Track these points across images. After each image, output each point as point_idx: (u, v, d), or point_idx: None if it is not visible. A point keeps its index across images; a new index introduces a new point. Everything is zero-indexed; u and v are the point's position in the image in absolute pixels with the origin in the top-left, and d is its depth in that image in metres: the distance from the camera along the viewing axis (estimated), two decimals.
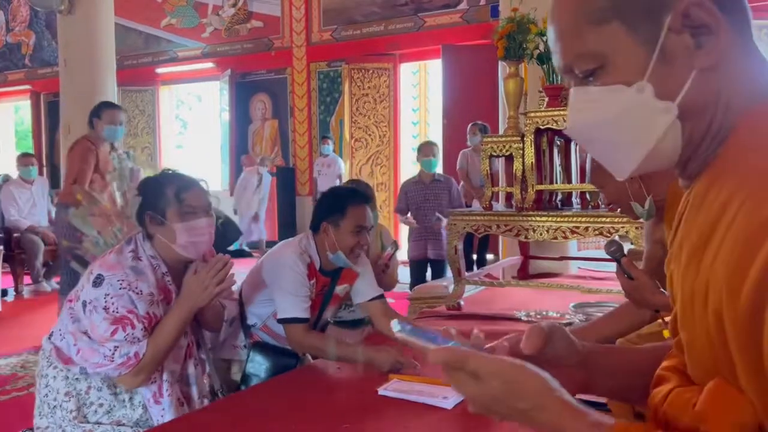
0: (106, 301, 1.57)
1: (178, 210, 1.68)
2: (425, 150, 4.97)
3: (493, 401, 0.67)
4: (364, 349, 1.98)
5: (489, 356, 0.68)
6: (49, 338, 1.72)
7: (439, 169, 5.30)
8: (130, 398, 1.67)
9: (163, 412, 1.65)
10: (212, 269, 1.67)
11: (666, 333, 1.63)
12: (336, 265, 2.12)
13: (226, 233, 3.12)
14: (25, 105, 11.48)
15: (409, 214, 4.84)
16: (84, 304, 1.60)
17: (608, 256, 1.62)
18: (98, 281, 1.59)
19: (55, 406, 1.64)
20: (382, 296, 2.24)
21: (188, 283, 1.69)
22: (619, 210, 1.76)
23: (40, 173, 6.40)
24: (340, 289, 2.20)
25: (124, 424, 1.65)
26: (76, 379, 1.65)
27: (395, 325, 0.70)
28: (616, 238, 2.64)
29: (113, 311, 1.57)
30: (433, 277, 4.45)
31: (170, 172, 1.81)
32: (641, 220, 1.67)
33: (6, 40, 11.25)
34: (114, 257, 1.66)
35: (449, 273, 4.92)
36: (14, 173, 9.77)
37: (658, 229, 1.69)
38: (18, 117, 12.70)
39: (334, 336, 2.14)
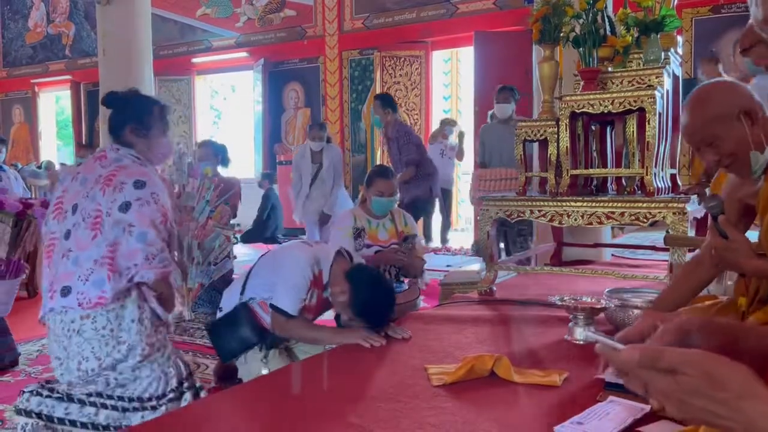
0: (153, 197, 1.87)
1: None
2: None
3: (691, 394, 0.63)
4: (335, 333, 2.29)
5: (683, 349, 0.66)
6: (65, 295, 1.83)
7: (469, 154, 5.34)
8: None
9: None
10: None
11: (742, 300, 1.60)
12: None
13: None
14: (65, 95, 11.78)
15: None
16: (127, 204, 1.82)
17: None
18: (140, 184, 1.86)
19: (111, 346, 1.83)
20: None
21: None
22: (726, 167, 1.59)
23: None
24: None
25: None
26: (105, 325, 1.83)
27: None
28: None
29: (162, 204, 1.88)
30: None
31: None
32: (754, 175, 1.54)
33: (47, 32, 11.56)
34: (133, 167, 1.92)
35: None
36: (55, 160, 10.05)
37: (746, 185, 1.60)
38: (59, 107, 13.05)
39: (308, 324, 2.32)
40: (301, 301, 2.24)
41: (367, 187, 3.06)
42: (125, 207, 1.82)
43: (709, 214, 1.54)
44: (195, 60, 10.23)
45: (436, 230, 7.01)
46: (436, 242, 6.90)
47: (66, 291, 1.81)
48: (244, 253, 6.47)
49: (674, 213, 2.53)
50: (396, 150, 5.34)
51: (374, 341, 2.07)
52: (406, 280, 3.11)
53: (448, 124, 7.60)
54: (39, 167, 9.17)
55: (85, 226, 1.84)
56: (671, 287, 1.88)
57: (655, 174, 2.68)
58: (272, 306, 2.24)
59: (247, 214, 7.80)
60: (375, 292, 2.16)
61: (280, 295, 2.24)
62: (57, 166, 8.98)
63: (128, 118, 2.02)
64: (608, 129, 3.19)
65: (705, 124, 1.54)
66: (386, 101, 5.42)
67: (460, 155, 7.50)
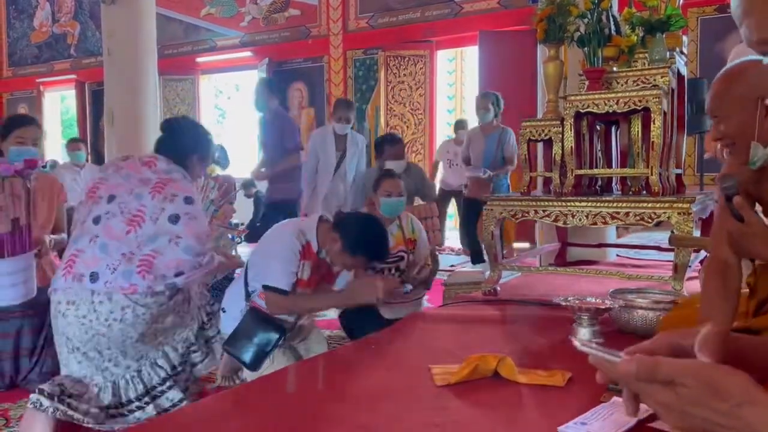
0: (199, 213, 2.06)
1: None
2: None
3: (691, 405, 0.62)
4: (343, 294, 2.27)
5: (680, 360, 0.64)
6: (95, 281, 1.90)
7: None
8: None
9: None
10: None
11: (750, 279, 1.52)
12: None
13: None
14: (70, 94, 11.80)
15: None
16: (176, 216, 1.97)
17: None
18: (189, 200, 2.06)
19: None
20: None
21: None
22: (726, 150, 1.49)
23: (86, 159, 6.58)
24: (337, 267, 2.42)
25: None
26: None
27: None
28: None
29: (204, 216, 2.10)
30: None
31: None
32: (752, 167, 1.42)
33: (52, 31, 11.59)
34: (183, 183, 2.11)
35: None
36: (61, 160, 10.05)
37: (761, 186, 1.47)
38: (64, 106, 13.07)
39: (307, 295, 2.30)
40: (293, 275, 2.21)
41: (374, 191, 3.01)
42: (174, 219, 1.97)
43: (723, 196, 1.41)
44: (199, 59, 10.24)
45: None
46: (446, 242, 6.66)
47: (95, 277, 1.88)
48: (248, 253, 6.47)
49: (679, 213, 2.52)
50: (278, 135, 4.67)
51: (389, 284, 2.11)
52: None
53: (461, 128, 6.72)
54: (44, 167, 9.18)
55: (122, 219, 1.94)
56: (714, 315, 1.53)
57: (660, 174, 2.67)
58: (265, 287, 2.22)
59: (247, 215, 7.82)
60: (363, 224, 2.27)
61: (271, 272, 2.22)
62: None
63: (198, 149, 2.30)
64: (613, 129, 3.18)
65: (719, 97, 1.45)
66: (272, 86, 5.16)
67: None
